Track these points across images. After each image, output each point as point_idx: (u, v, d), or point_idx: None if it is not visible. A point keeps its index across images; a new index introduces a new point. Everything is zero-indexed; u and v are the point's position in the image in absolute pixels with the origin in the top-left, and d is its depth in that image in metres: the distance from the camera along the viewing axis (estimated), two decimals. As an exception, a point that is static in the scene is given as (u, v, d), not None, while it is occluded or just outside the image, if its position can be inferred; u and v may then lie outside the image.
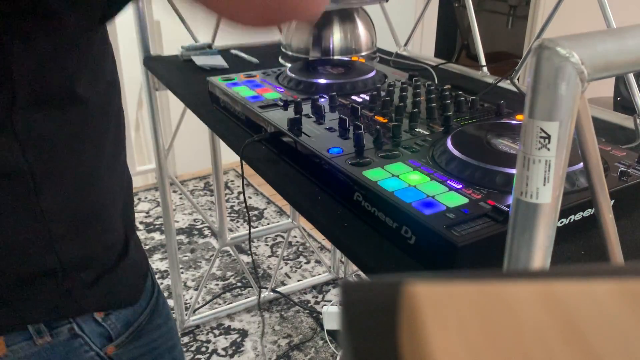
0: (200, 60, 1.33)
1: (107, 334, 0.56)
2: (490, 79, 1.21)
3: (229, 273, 2.11)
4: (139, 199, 2.66)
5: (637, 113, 0.92)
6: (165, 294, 1.99)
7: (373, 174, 0.65)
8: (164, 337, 0.66)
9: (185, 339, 1.80)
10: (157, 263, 2.17)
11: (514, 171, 0.42)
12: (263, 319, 1.86)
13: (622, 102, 1.72)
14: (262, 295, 1.97)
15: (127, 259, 0.58)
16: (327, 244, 2.29)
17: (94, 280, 0.53)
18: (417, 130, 0.79)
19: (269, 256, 2.23)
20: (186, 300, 1.92)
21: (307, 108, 0.88)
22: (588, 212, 0.61)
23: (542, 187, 0.35)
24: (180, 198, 2.67)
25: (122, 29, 2.30)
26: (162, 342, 0.65)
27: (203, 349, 1.76)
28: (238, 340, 1.80)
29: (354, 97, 0.94)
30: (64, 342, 0.53)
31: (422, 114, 0.85)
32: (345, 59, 1.22)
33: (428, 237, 0.56)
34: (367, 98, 0.93)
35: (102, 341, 0.56)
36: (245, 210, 2.58)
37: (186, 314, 1.84)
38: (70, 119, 0.49)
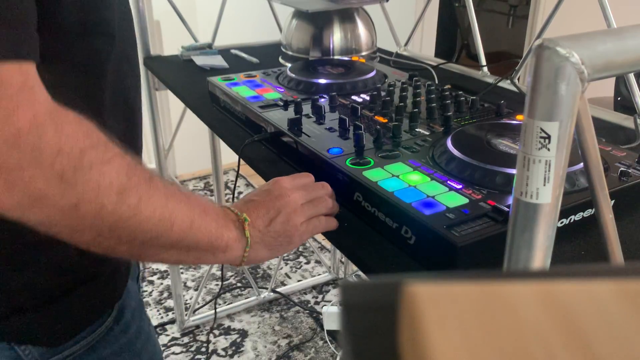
0: (200, 60, 1.33)
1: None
2: (490, 79, 1.21)
3: (229, 273, 2.11)
4: (139, 199, 2.66)
5: (637, 113, 0.92)
6: (165, 294, 1.99)
7: (373, 174, 0.65)
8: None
9: (185, 339, 1.80)
10: (157, 263, 2.17)
11: (514, 171, 0.42)
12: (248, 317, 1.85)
13: (622, 102, 1.72)
14: (262, 296, 1.97)
15: (57, 305, 0.59)
16: (327, 244, 2.29)
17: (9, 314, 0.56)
18: (417, 130, 0.79)
19: (269, 256, 2.23)
20: (186, 300, 1.92)
21: (307, 108, 0.88)
22: (588, 212, 0.61)
23: (542, 187, 0.35)
24: (180, 198, 2.67)
25: (122, 29, 2.30)
26: None
27: (203, 349, 1.76)
28: (238, 340, 1.80)
29: (354, 97, 0.94)
30: None
31: (422, 114, 0.85)
32: (346, 59, 1.22)
33: (428, 237, 0.56)
34: (367, 98, 0.93)
35: None
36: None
37: (186, 314, 1.84)
38: None
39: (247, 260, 0.57)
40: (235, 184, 0.96)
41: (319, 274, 2.12)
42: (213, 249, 0.54)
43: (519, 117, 0.84)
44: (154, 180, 0.49)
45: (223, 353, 1.75)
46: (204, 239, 0.52)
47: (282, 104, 0.90)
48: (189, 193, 0.54)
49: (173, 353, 1.75)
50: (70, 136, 0.41)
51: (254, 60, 1.38)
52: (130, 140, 0.64)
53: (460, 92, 0.94)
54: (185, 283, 2.05)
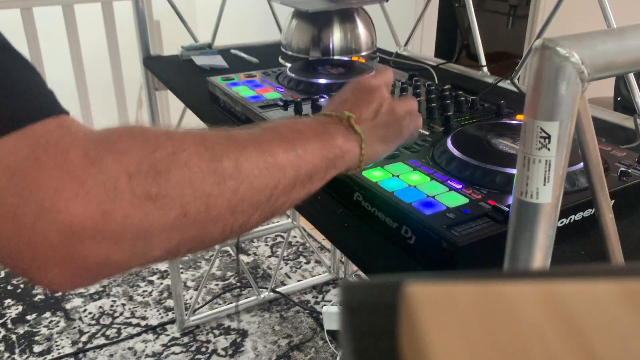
0: (200, 60, 1.33)
1: None
2: (490, 79, 1.21)
3: (229, 273, 2.11)
4: (139, 199, 2.66)
5: (637, 113, 0.92)
6: (165, 294, 1.99)
7: (373, 174, 0.65)
8: None
9: (185, 339, 1.80)
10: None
11: (514, 171, 0.42)
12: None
13: (622, 102, 1.72)
14: (262, 296, 1.96)
15: None
16: (327, 244, 2.29)
17: None
18: (417, 130, 0.79)
19: (269, 256, 2.23)
20: (186, 300, 1.92)
21: (307, 108, 0.88)
22: (588, 212, 0.61)
23: (542, 187, 0.35)
24: (180, 198, 2.67)
25: (122, 29, 2.30)
26: None
27: (203, 349, 1.76)
28: (238, 340, 1.80)
29: (354, 97, 0.94)
30: None
31: (422, 114, 0.85)
32: (345, 59, 1.22)
33: (428, 237, 0.56)
34: (367, 98, 0.93)
35: None
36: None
37: (186, 314, 1.84)
38: None
39: (365, 159, 0.54)
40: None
41: (319, 274, 2.12)
42: (331, 163, 0.51)
43: (519, 117, 0.84)
44: (233, 136, 0.44)
45: (223, 353, 1.75)
46: (316, 160, 0.49)
47: (282, 104, 0.90)
48: (273, 124, 0.49)
49: (173, 353, 1.75)
50: (131, 151, 0.36)
51: (254, 60, 1.38)
52: None
53: (460, 92, 0.94)
54: (185, 283, 2.05)
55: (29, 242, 0.31)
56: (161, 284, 2.05)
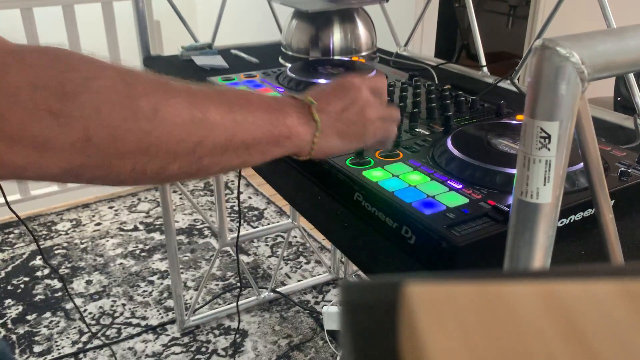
0: (200, 60, 1.33)
1: None
2: (490, 79, 1.21)
3: (229, 273, 2.11)
4: (139, 199, 2.66)
5: (637, 113, 0.92)
6: (165, 294, 1.99)
7: (373, 174, 0.65)
8: None
9: (185, 339, 1.80)
10: (157, 263, 2.17)
11: (514, 171, 0.42)
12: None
13: (622, 102, 1.72)
14: (262, 296, 1.96)
15: None
16: (327, 244, 2.29)
17: None
18: (417, 130, 0.79)
19: (269, 256, 2.23)
20: (186, 300, 1.92)
21: (307, 108, 0.88)
22: (588, 212, 0.61)
23: (542, 187, 0.35)
24: (180, 198, 2.66)
25: (122, 29, 2.30)
26: None
27: (203, 349, 1.76)
28: (238, 340, 1.80)
29: (354, 97, 0.94)
30: None
31: (422, 114, 0.85)
32: (345, 59, 1.22)
33: (428, 237, 0.56)
34: (367, 98, 0.93)
35: None
36: (245, 210, 2.58)
37: (186, 314, 1.84)
38: None
39: (317, 148, 0.53)
40: (238, 185, 0.96)
41: (319, 274, 2.12)
42: (274, 140, 0.50)
43: (519, 117, 0.84)
44: (166, 83, 0.44)
45: (223, 353, 1.75)
46: (257, 132, 0.48)
47: (282, 104, 0.90)
48: (227, 89, 0.49)
49: (173, 353, 1.75)
50: (40, 66, 0.36)
51: (254, 60, 1.38)
52: None
53: (460, 92, 0.94)
54: (185, 283, 2.05)
55: None
56: (161, 284, 2.05)
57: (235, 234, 1.87)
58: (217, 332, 1.84)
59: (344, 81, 0.58)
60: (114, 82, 0.39)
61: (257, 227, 2.43)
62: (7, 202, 0.98)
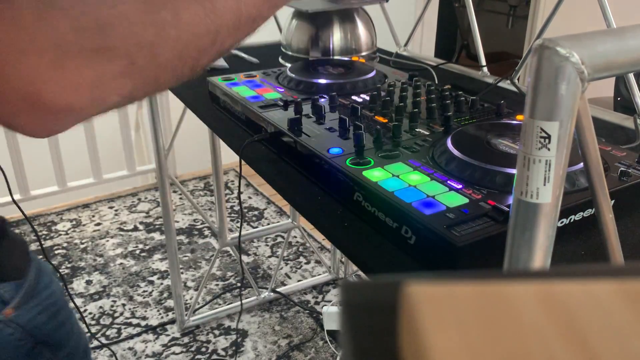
0: (200, 60, 1.33)
1: (0, 299, 0.60)
2: (490, 79, 1.21)
3: (229, 273, 2.11)
4: (139, 199, 2.66)
5: (637, 113, 0.92)
6: (165, 294, 1.99)
7: (373, 174, 0.65)
8: (57, 294, 0.68)
9: (185, 339, 1.80)
10: (157, 263, 2.17)
11: (514, 171, 0.42)
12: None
13: (622, 102, 1.72)
14: (262, 296, 1.96)
15: (10, 241, 0.62)
16: (327, 244, 2.29)
17: None
18: (417, 130, 0.79)
19: (269, 256, 2.23)
20: (186, 300, 1.92)
21: (307, 108, 0.88)
22: (588, 212, 0.61)
23: (542, 187, 0.35)
24: (180, 198, 2.67)
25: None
26: (57, 297, 0.68)
27: (203, 349, 1.76)
28: (238, 340, 1.80)
29: (354, 97, 0.94)
30: None
31: (422, 114, 0.85)
32: (345, 59, 1.22)
33: (428, 237, 0.56)
34: (367, 98, 0.93)
35: None
36: (245, 210, 2.58)
37: (186, 314, 1.84)
38: None
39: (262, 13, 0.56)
40: (239, 185, 0.96)
41: (319, 274, 2.12)
42: (271, 3, 0.55)
43: (519, 117, 0.84)
44: None
45: (223, 353, 1.75)
46: (258, 2, 0.53)
47: (282, 104, 0.90)
48: None
49: (173, 353, 1.75)
50: (74, 9, 0.38)
51: (254, 60, 1.38)
52: None
53: (460, 92, 0.94)
54: (185, 283, 2.05)
55: (1, 92, 0.36)
56: (161, 284, 2.05)
57: (236, 234, 1.87)
58: (217, 332, 1.84)
59: None
60: (134, 2, 0.41)
61: (257, 227, 2.43)
62: (12, 199, 0.97)
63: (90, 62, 0.38)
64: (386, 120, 0.83)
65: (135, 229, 2.41)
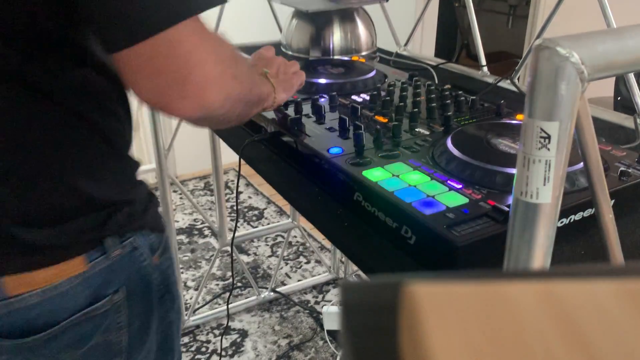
0: (200, 60, 1.33)
1: (151, 247, 0.69)
2: (490, 79, 1.21)
3: (229, 273, 2.11)
4: (139, 199, 2.66)
5: (637, 113, 0.92)
6: (165, 294, 1.99)
7: (373, 174, 0.65)
8: (173, 254, 0.80)
9: (185, 339, 1.80)
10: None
11: (514, 171, 0.42)
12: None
13: (622, 102, 1.72)
14: (262, 296, 1.96)
15: (155, 201, 0.73)
16: (327, 244, 2.29)
17: (144, 209, 0.68)
18: (417, 130, 0.79)
19: (269, 256, 2.23)
20: (186, 300, 1.92)
21: (307, 108, 0.88)
22: (588, 212, 0.61)
23: (542, 187, 0.35)
24: (181, 198, 2.66)
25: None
26: (174, 256, 0.82)
27: (203, 349, 1.76)
28: (238, 340, 1.80)
29: (354, 97, 0.94)
30: (128, 254, 0.65)
31: (422, 114, 0.85)
32: (346, 58, 1.22)
33: (428, 237, 0.56)
34: (367, 98, 0.93)
35: (149, 253, 0.68)
36: (245, 210, 2.58)
37: (186, 314, 1.84)
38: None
39: (275, 102, 0.76)
40: (237, 185, 0.96)
41: (319, 274, 2.12)
42: (265, 98, 0.72)
43: (519, 117, 0.84)
44: (252, 73, 0.70)
45: (223, 353, 1.75)
46: (263, 90, 0.70)
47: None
48: (253, 70, 0.75)
49: (173, 353, 1.75)
50: (217, 44, 0.55)
51: (254, 60, 1.38)
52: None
53: (460, 92, 0.94)
54: (185, 283, 2.05)
55: (183, 94, 0.51)
56: (161, 284, 2.05)
57: (236, 233, 1.87)
58: (217, 332, 1.84)
59: (261, 55, 0.86)
60: (246, 75, 0.62)
61: (257, 227, 2.43)
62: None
63: (232, 84, 0.56)
64: (386, 120, 0.83)
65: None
